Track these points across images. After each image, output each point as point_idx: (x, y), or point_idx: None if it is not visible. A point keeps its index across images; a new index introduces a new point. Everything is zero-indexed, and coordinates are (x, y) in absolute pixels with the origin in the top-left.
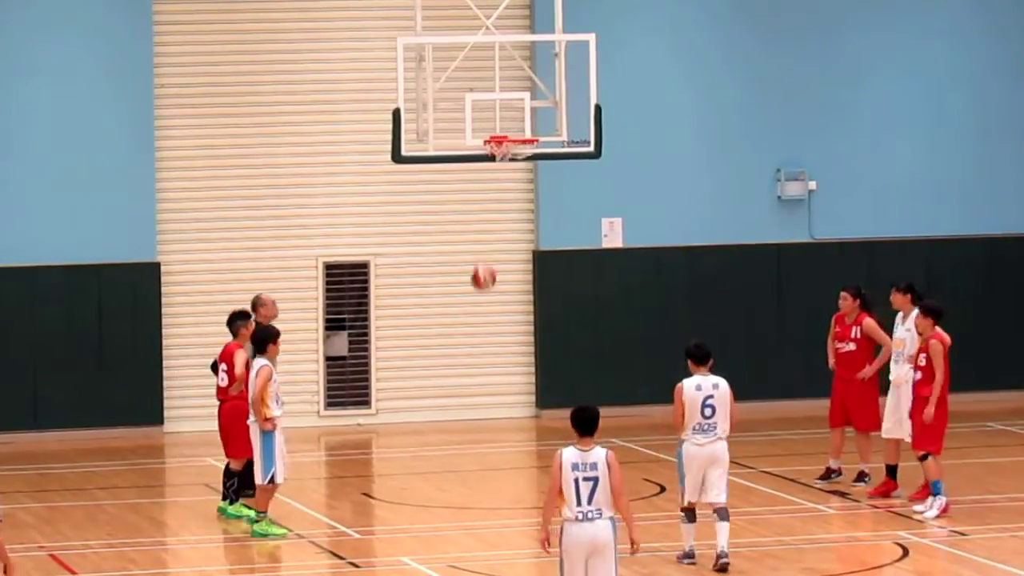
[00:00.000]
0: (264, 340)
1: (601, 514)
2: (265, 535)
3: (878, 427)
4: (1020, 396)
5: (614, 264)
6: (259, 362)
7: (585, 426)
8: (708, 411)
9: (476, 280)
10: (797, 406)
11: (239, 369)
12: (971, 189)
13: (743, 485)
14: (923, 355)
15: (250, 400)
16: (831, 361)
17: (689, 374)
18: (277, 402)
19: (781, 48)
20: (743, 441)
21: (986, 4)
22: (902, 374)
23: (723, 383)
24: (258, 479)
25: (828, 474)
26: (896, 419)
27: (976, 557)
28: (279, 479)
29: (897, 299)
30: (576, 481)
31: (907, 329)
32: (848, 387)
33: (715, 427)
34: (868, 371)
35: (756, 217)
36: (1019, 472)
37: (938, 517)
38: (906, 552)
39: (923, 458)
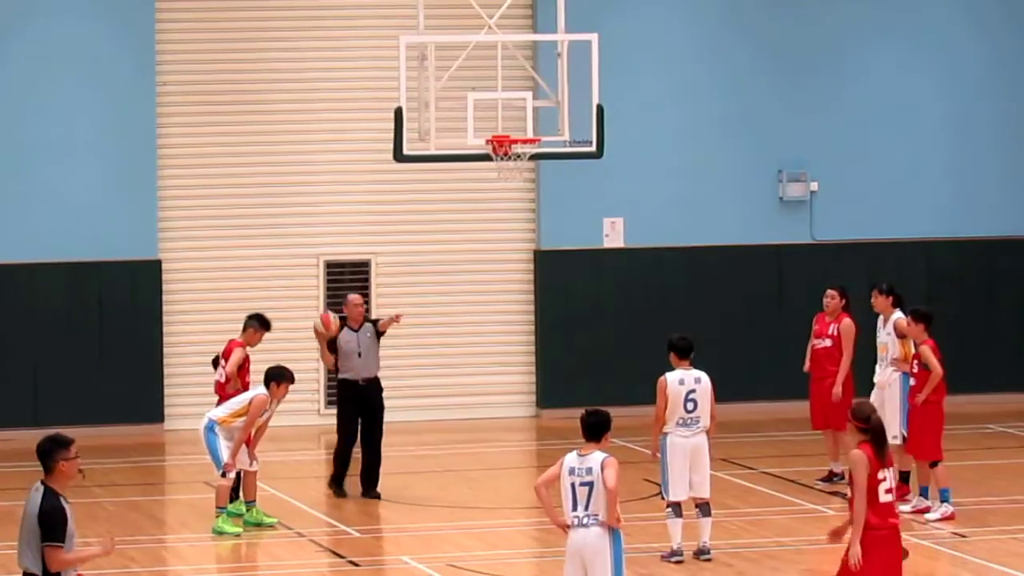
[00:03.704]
0: (271, 377)
1: (596, 520)
2: (221, 533)
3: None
4: (1020, 398)
5: (615, 264)
6: (260, 389)
7: (588, 431)
8: (691, 405)
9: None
10: (797, 407)
11: (230, 368)
12: (972, 191)
13: (743, 486)
14: (916, 362)
15: (230, 410)
16: (806, 364)
17: (671, 367)
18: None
19: (783, 49)
20: (743, 441)
21: (988, 9)
22: (886, 377)
23: (705, 377)
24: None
25: (830, 476)
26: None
27: (976, 559)
28: (230, 472)
29: (879, 301)
30: (572, 486)
31: (888, 333)
32: (821, 386)
33: (698, 421)
34: (837, 388)
35: (757, 218)
36: (1019, 474)
37: (940, 521)
38: (906, 554)
39: (933, 465)
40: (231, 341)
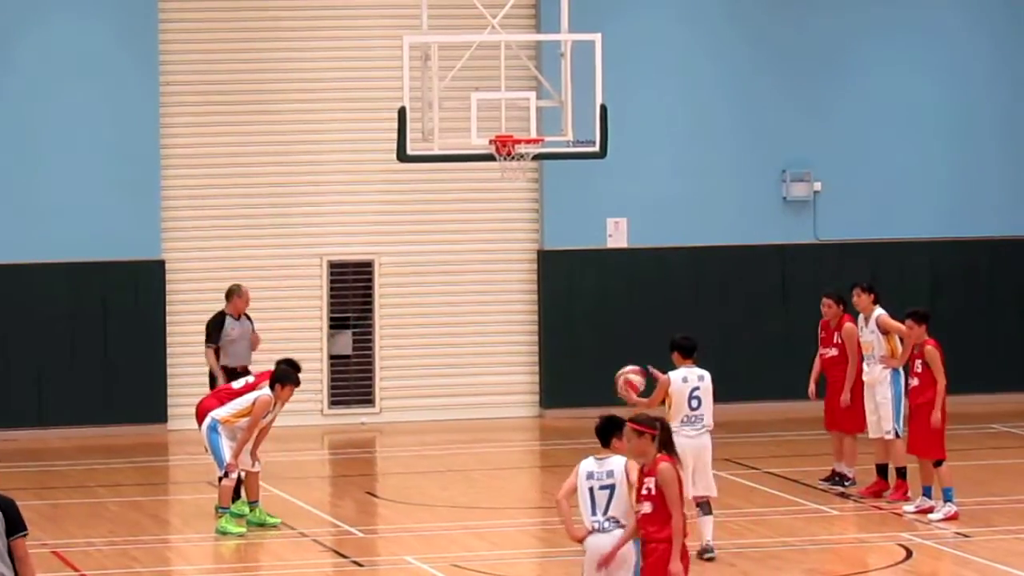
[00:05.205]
0: (277, 379)
1: (616, 524)
2: (224, 533)
3: (857, 429)
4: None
5: (619, 264)
6: (266, 391)
7: (597, 436)
8: (695, 403)
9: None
10: (801, 407)
11: (255, 407)
12: (976, 191)
13: (746, 485)
14: (919, 362)
15: (233, 410)
16: (813, 373)
17: (674, 367)
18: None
19: (787, 49)
20: (746, 441)
21: (989, 8)
22: (875, 375)
23: (707, 375)
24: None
25: (833, 476)
26: (875, 419)
27: (979, 559)
28: (233, 473)
29: (861, 300)
30: (591, 490)
31: (871, 331)
32: (834, 388)
33: (702, 418)
34: (845, 395)
35: (761, 218)
36: (1023, 474)
37: (943, 521)
38: (909, 553)
39: (937, 464)
40: (270, 373)
